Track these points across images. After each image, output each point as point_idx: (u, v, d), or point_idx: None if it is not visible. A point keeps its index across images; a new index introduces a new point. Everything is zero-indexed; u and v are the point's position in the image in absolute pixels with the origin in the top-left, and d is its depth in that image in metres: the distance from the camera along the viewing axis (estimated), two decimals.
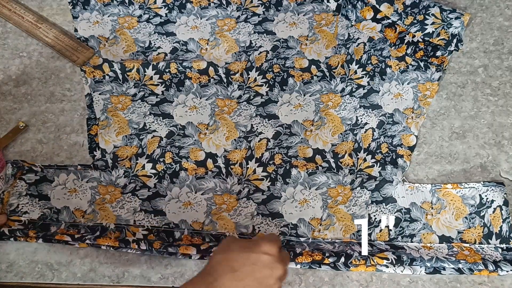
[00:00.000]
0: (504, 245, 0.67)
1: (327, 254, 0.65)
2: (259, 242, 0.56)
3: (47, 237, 0.66)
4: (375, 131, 0.75)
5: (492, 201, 0.69)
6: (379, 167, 0.73)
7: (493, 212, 0.69)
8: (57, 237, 0.66)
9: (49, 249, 0.68)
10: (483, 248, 0.67)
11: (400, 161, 0.73)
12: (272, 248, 0.56)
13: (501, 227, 0.68)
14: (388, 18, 0.81)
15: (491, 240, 0.68)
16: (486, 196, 0.70)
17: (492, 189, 0.70)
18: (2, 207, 0.69)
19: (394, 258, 0.65)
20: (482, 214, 0.69)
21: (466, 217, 0.69)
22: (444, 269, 0.65)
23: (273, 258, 0.55)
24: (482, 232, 0.68)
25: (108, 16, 0.84)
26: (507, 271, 0.64)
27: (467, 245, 0.68)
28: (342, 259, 0.65)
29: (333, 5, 0.84)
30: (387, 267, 0.65)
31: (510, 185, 0.72)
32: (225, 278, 0.54)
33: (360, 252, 0.66)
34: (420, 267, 0.65)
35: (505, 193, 0.70)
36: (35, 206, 0.69)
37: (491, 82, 0.79)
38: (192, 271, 0.67)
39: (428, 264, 0.64)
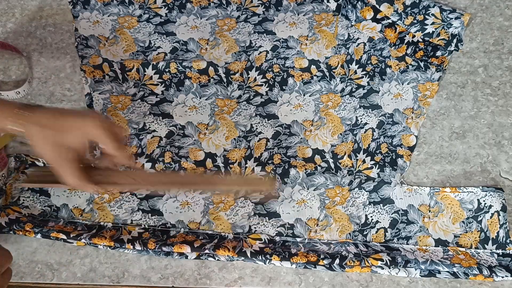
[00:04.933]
0: (500, 251, 0.67)
1: (322, 256, 0.65)
2: None
3: (44, 232, 0.66)
4: (375, 131, 0.75)
5: (490, 206, 0.69)
6: (377, 169, 0.73)
7: (491, 217, 0.69)
8: (52, 234, 0.66)
9: (49, 249, 0.68)
10: (479, 253, 0.67)
11: (400, 161, 0.73)
12: None
13: (498, 232, 0.68)
14: (388, 18, 0.81)
15: (487, 245, 0.68)
16: (484, 201, 0.70)
17: (491, 194, 0.70)
18: (6, 198, 0.69)
19: (388, 259, 0.65)
20: (479, 219, 0.69)
21: (463, 221, 0.69)
22: (439, 272, 0.65)
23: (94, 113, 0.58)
24: (479, 237, 0.68)
25: (108, 16, 0.84)
26: (502, 277, 0.64)
27: (463, 249, 0.67)
28: (337, 261, 0.65)
29: (333, 5, 0.84)
30: (382, 268, 0.65)
31: (510, 185, 0.72)
32: None
33: (355, 254, 0.66)
34: (415, 269, 0.65)
35: (503, 199, 0.69)
36: (36, 202, 0.70)
37: (491, 82, 0.79)
38: (192, 271, 0.67)
39: (423, 267, 0.64)
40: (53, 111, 0.58)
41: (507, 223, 0.68)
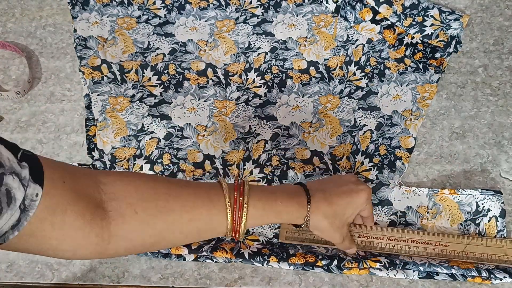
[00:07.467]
0: None
1: (320, 257, 0.65)
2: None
3: None
4: (373, 133, 0.75)
5: (489, 210, 0.69)
6: (376, 170, 0.72)
7: (489, 221, 0.69)
8: None
9: None
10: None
11: (398, 163, 0.73)
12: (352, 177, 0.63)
13: (495, 237, 0.68)
14: (387, 20, 0.80)
15: None
16: (482, 204, 0.69)
17: (490, 198, 0.69)
18: None
19: (387, 261, 0.65)
20: (477, 222, 0.69)
21: (461, 224, 0.69)
22: (437, 274, 0.65)
23: (357, 180, 0.63)
24: None
25: (107, 17, 0.84)
26: (501, 279, 0.64)
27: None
28: (335, 262, 0.65)
29: (332, 7, 0.84)
30: (380, 270, 0.65)
31: (510, 185, 0.72)
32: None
33: (352, 256, 0.66)
34: (413, 271, 0.65)
35: (502, 203, 0.69)
36: None
37: (491, 82, 0.79)
38: (192, 271, 0.67)
39: (421, 269, 0.64)
40: (328, 197, 0.60)
41: (505, 230, 0.68)
